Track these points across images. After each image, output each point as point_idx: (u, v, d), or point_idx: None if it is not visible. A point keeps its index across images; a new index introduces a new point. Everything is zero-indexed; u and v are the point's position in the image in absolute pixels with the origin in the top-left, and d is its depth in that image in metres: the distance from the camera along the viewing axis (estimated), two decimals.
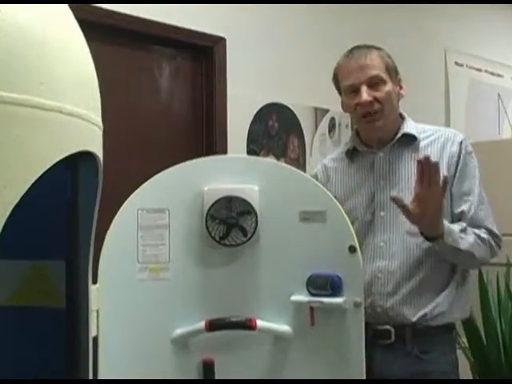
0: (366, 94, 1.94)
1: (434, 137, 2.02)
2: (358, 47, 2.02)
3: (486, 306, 2.90)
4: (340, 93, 2.05)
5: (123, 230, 1.78)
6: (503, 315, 2.94)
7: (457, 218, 1.97)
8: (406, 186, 1.97)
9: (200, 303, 1.81)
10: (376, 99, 1.95)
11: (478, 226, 1.95)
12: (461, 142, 2.00)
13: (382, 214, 1.99)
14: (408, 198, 1.94)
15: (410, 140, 2.01)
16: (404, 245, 1.96)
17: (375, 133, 2.03)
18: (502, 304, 2.97)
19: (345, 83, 1.99)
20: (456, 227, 1.89)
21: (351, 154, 2.09)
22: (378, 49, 2.03)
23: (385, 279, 1.95)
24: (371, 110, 1.96)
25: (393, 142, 2.02)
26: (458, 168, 1.98)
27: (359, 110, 1.97)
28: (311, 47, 3.73)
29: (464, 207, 1.96)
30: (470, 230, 1.92)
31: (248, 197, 1.79)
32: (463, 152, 1.99)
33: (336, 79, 2.04)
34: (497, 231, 1.98)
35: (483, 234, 1.94)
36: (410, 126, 2.03)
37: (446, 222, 1.87)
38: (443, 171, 1.93)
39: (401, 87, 2.05)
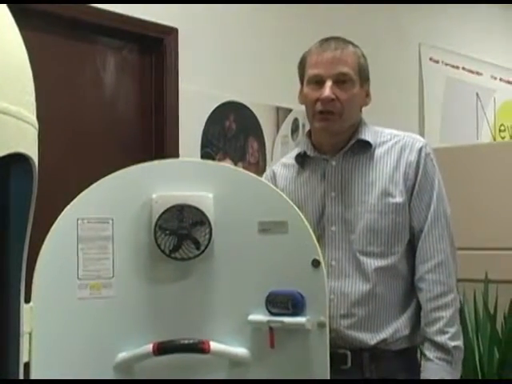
0: (329, 90, 1.94)
1: (391, 143, 2.03)
2: (335, 38, 2.03)
3: (463, 326, 2.92)
4: (302, 81, 2.05)
5: (61, 242, 1.76)
6: (481, 336, 2.98)
7: (412, 232, 2.00)
8: (360, 199, 1.99)
9: (147, 324, 1.80)
10: (338, 99, 1.96)
11: (435, 250, 1.97)
12: (420, 149, 2.00)
13: (332, 228, 2.00)
14: (361, 212, 1.97)
15: (365, 147, 2.02)
16: (357, 264, 1.97)
17: (327, 136, 2.04)
18: (480, 324, 3.01)
19: (311, 71, 1.99)
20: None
21: (302, 159, 2.09)
22: (355, 46, 2.03)
23: (338, 301, 1.97)
24: (330, 109, 1.96)
25: (346, 149, 2.02)
26: (418, 179, 1.98)
27: (318, 106, 1.98)
28: (273, 42, 3.75)
29: (418, 225, 1.99)
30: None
31: (201, 205, 1.79)
32: (422, 161, 1.99)
33: (302, 65, 2.04)
34: (448, 258, 1.98)
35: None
36: (366, 132, 2.03)
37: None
38: (399, 182, 1.96)
39: (367, 95, 2.06)
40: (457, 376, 1.96)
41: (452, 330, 1.94)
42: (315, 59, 1.99)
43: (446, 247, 1.98)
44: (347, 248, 1.98)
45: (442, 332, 1.93)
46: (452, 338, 1.93)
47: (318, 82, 1.97)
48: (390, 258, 1.97)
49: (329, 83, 1.95)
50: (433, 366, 1.93)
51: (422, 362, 1.96)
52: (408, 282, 2.00)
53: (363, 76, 2.02)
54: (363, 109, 2.08)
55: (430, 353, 1.93)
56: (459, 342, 1.95)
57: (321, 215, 2.02)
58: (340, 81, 1.96)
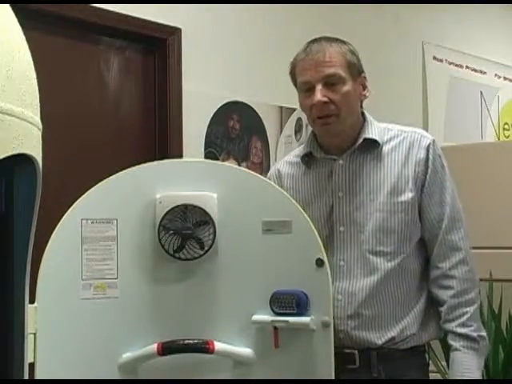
0: (320, 95, 1.93)
1: (399, 139, 2.01)
2: (317, 40, 2.01)
3: None
4: (298, 89, 2.05)
5: (65, 243, 1.77)
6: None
7: (424, 230, 1.99)
8: (368, 198, 1.98)
9: (151, 324, 1.80)
10: (331, 101, 1.94)
11: (456, 248, 1.97)
12: (428, 147, 1.98)
13: (341, 229, 1.99)
14: (370, 212, 1.96)
15: (372, 145, 2.01)
16: (366, 264, 1.96)
17: (331, 138, 2.03)
18: (485, 323, 3.00)
19: (300, 80, 1.99)
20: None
21: (307, 159, 2.08)
22: (341, 42, 2.01)
23: (345, 301, 1.96)
24: (326, 113, 1.95)
25: (353, 148, 2.01)
26: (427, 178, 1.97)
27: (314, 112, 1.97)
28: (276, 41, 3.75)
29: (433, 224, 1.97)
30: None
31: (205, 205, 1.79)
32: (431, 158, 1.97)
33: (292, 74, 2.04)
34: (469, 254, 1.99)
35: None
36: (372, 130, 2.02)
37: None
38: (408, 180, 1.96)
39: (364, 87, 2.03)
40: (482, 363, 1.98)
41: (475, 324, 1.95)
42: (301, 66, 1.99)
43: (466, 245, 1.99)
44: (356, 248, 1.97)
45: (465, 325, 1.94)
46: (476, 330, 1.95)
47: (309, 88, 1.96)
48: (399, 257, 1.95)
49: (318, 87, 1.93)
50: (460, 354, 1.94)
51: (450, 354, 1.97)
52: (416, 279, 1.99)
53: (354, 70, 1.98)
54: (368, 107, 2.07)
55: (456, 343, 1.94)
56: (483, 333, 1.97)
57: (329, 215, 2.01)
58: (329, 83, 1.94)
